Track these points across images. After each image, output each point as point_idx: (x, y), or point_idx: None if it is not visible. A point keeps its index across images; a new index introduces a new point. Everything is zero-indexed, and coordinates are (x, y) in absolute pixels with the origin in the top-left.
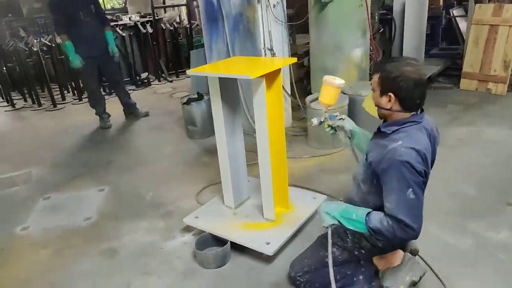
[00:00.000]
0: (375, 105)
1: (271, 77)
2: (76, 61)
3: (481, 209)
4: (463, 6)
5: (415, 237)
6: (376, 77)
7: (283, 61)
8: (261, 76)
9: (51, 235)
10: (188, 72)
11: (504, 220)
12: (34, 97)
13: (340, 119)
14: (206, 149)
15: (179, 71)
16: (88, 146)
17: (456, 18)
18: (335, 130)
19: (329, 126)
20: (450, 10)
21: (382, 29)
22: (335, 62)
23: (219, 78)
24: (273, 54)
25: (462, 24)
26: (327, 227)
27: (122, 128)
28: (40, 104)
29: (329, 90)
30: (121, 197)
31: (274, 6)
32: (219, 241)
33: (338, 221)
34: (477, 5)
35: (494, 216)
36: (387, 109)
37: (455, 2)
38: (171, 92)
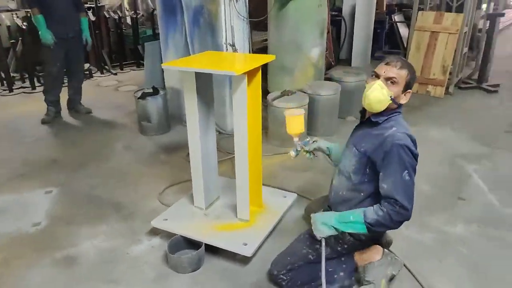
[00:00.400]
0: (392, 98)
1: (252, 74)
2: (47, 36)
3: (437, 205)
4: (403, 13)
5: (409, 218)
6: (404, 73)
7: (262, 58)
8: (244, 73)
9: None
10: (164, 65)
11: (458, 214)
12: None
13: (314, 141)
14: (163, 146)
15: (123, 63)
16: (26, 143)
17: (398, 23)
18: (314, 154)
19: (306, 152)
20: (392, 15)
21: (329, 31)
22: (293, 60)
23: (196, 73)
24: (235, 50)
25: (402, 30)
26: (320, 239)
27: (66, 124)
28: None
29: (294, 120)
30: (73, 199)
31: (236, 0)
32: (192, 244)
33: (335, 229)
34: (420, 12)
35: (449, 211)
36: (399, 104)
37: (396, 8)
38: (116, 85)
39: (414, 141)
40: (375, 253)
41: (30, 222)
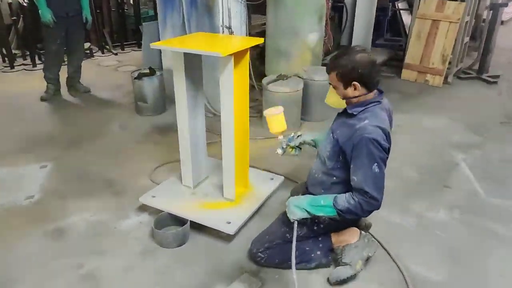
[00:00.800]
0: (343, 98)
1: (239, 56)
2: (47, 15)
3: (422, 191)
4: (407, 0)
5: (378, 208)
6: (333, 75)
7: (251, 40)
8: (230, 55)
9: None
10: (152, 45)
11: (442, 201)
12: None
13: (298, 136)
14: (157, 126)
15: (124, 43)
16: (25, 119)
17: (401, 11)
18: (300, 148)
19: (292, 148)
20: (396, 3)
21: (332, 16)
22: (290, 45)
23: (184, 53)
24: (231, 33)
25: (405, 17)
26: (293, 221)
27: (64, 101)
28: None
29: (274, 119)
30: (66, 175)
31: None
32: (178, 221)
33: (308, 212)
34: (422, 0)
35: (433, 198)
36: (356, 97)
37: None
38: (116, 65)
39: (386, 134)
40: (352, 235)
41: (24, 195)
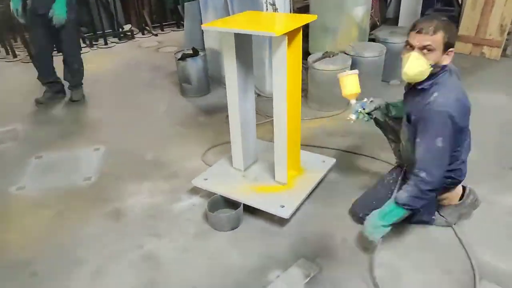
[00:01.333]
0: (433, 65)
1: (292, 35)
2: (15, 12)
3: (484, 174)
4: None
5: (436, 185)
6: (440, 37)
7: (304, 18)
8: (284, 34)
9: (50, 195)
10: (204, 26)
11: (507, 184)
12: (8, 47)
13: (371, 101)
14: (202, 108)
15: (163, 24)
16: (73, 103)
17: None
18: (371, 116)
19: (367, 114)
20: None
21: None
22: (336, 20)
23: (235, 34)
24: (276, 10)
25: None
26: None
27: (109, 83)
28: (15, 55)
29: (349, 80)
30: (119, 157)
31: None
32: (230, 203)
33: (384, 226)
34: None
35: (498, 181)
36: (444, 66)
37: None
38: (157, 46)
39: (461, 102)
40: (455, 194)
41: (82, 177)
